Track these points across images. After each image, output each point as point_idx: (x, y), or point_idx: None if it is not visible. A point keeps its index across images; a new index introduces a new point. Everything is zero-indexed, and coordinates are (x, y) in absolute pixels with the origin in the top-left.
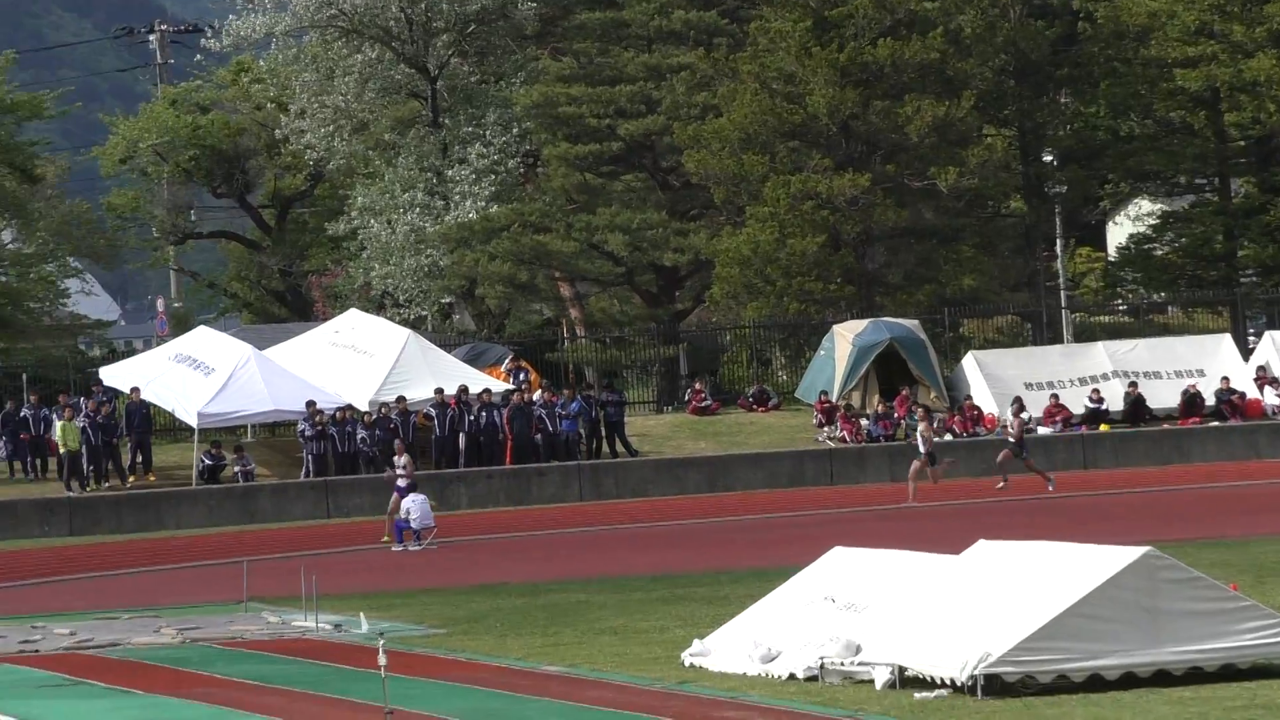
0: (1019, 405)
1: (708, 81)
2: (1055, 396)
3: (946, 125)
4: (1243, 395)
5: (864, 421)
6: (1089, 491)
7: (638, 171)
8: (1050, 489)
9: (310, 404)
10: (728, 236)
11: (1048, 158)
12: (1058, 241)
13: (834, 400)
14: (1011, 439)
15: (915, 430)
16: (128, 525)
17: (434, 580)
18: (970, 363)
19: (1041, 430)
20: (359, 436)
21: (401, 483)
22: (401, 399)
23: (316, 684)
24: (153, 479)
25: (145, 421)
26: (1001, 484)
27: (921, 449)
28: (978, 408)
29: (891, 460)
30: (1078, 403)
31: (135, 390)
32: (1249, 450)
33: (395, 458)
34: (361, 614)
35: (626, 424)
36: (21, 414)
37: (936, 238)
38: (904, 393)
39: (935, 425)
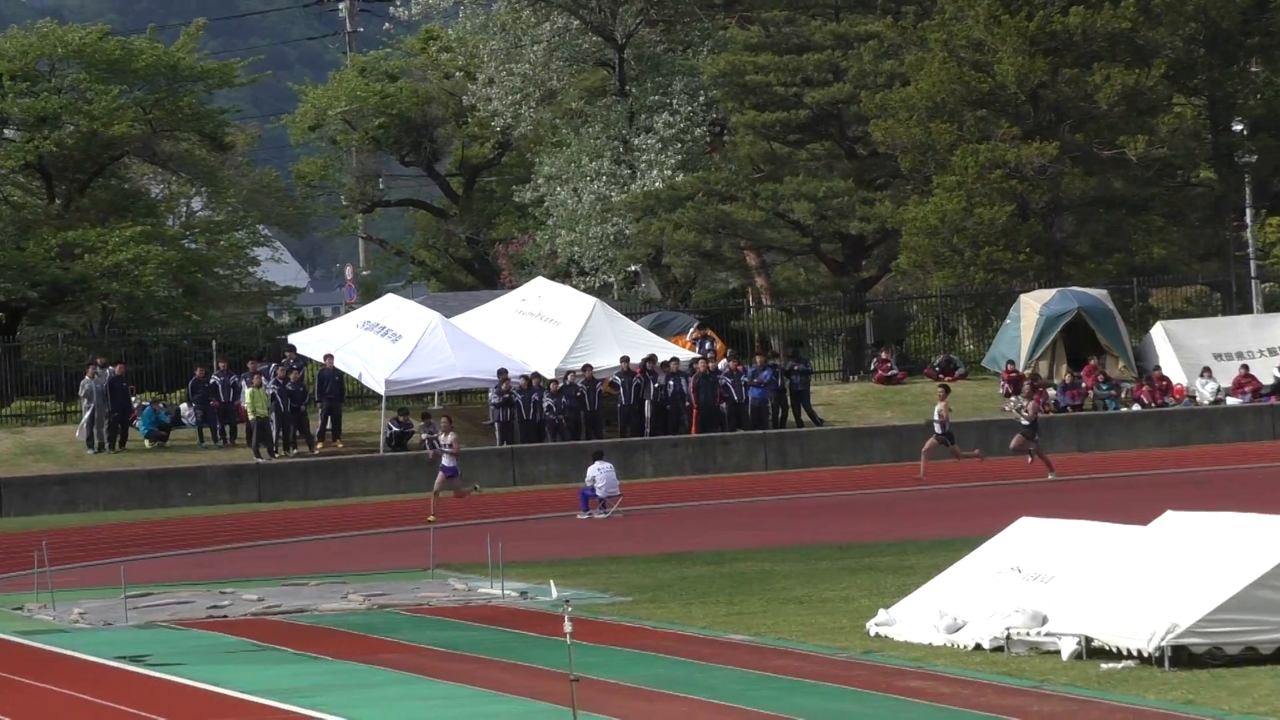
0: (1030, 388)
1: (895, 50)
2: (1245, 367)
3: (1136, 94)
4: None
5: (1051, 391)
6: (1277, 463)
7: (824, 140)
8: (1051, 479)
9: (501, 372)
10: (914, 205)
11: (1238, 127)
12: (1247, 211)
13: (1021, 370)
14: (1025, 421)
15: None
16: (315, 492)
17: (619, 548)
18: (1159, 333)
19: (1230, 401)
20: (545, 404)
21: (447, 461)
22: (588, 367)
23: (502, 651)
24: (341, 445)
25: (337, 388)
26: (1030, 460)
27: (937, 428)
28: (1166, 378)
29: (1079, 430)
30: (1266, 373)
31: (329, 357)
32: None
33: (441, 435)
34: (551, 581)
35: (812, 393)
36: (211, 381)
37: (1125, 207)
38: (1092, 363)
39: (950, 405)
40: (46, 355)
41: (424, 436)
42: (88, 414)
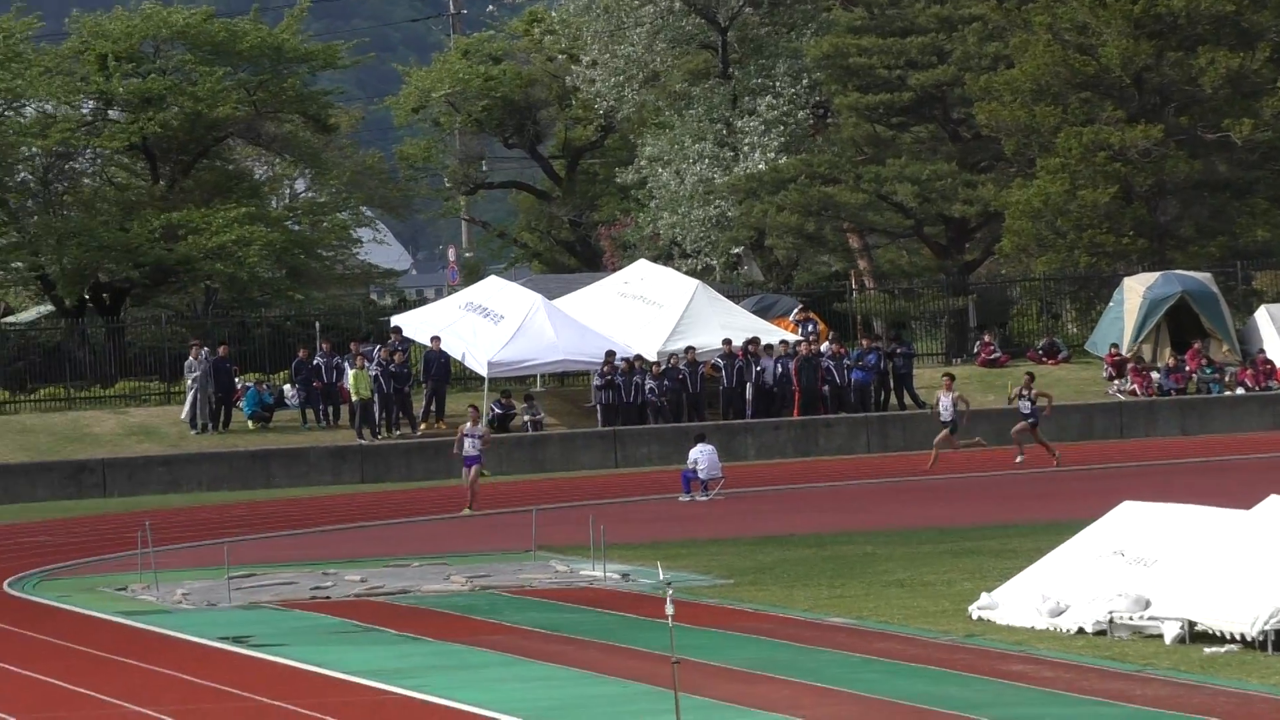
0: (1030, 376)
1: (999, 32)
2: None
3: (1240, 77)
4: None
5: (1154, 375)
6: None
7: (927, 123)
8: (1055, 465)
9: (609, 354)
10: (1018, 188)
11: None
12: None
13: (1124, 353)
14: (1026, 410)
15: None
16: (418, 473)
17: (721, 531)
18: (1263, 316)
19: None
20: (647, 387)
21: (472, 451)
22: (690, 349)
23: (604, 633)
24: (443, 427)
25: (443, 370)
26: (1020, 458)
27: (944, 417)
28: (1270, 361)
29: (1183, 414)
30: None
31: (436, 339)
32: None
33: (469, 425)
34: (659, 563)
35: (914, 376)
36: (314, 362)
37: (1230, 190)
38: (1195, 346)
39: (958, 393)
40: (150, 336)
41: (526, 418)
42: (191, 395)
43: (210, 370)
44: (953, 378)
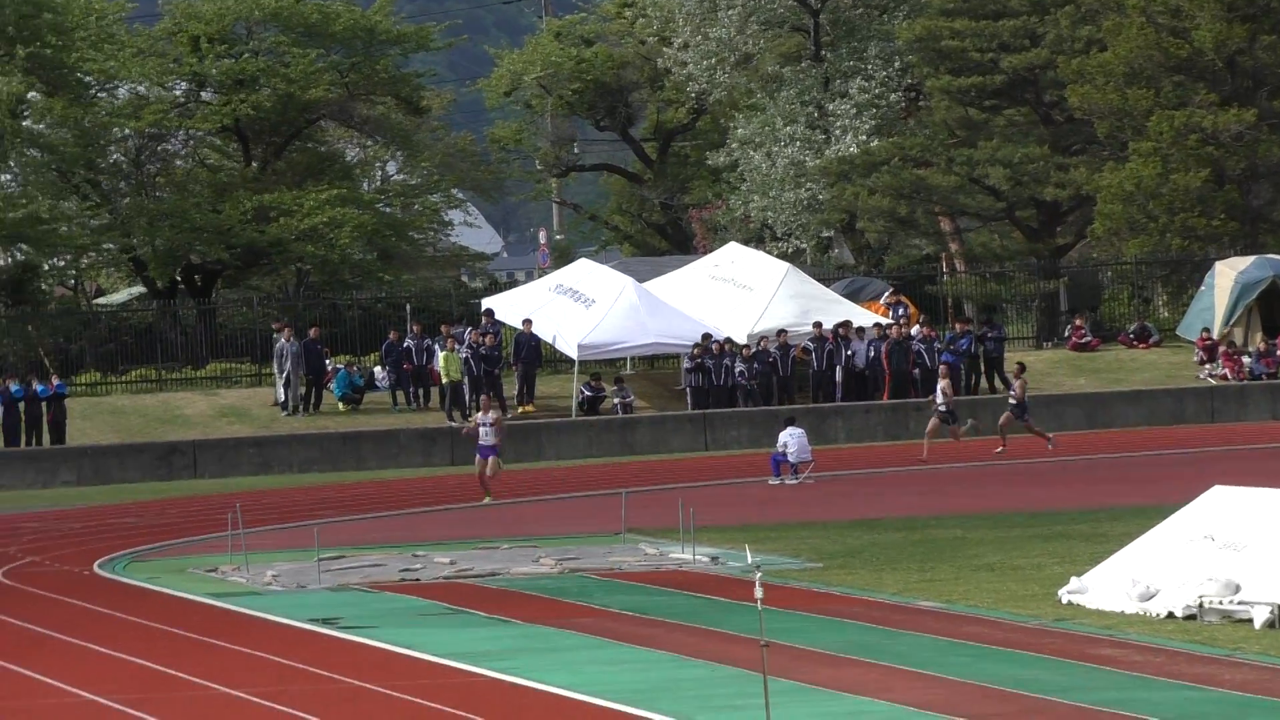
0: (1021, 367)
1: (1092, 15)
2: None
3: None
4: None
5: (1246, 359)
6: None
7: (1020, 106)
8: (1050, 448)
9: (706, 336)
10: (1110, 172)
11: None
12: None
13: (1215, 337)
14: (1013, 400)
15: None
16: (508, 455)
17: (811, 514)
18: None
19: None
20: (737, 370)
21: (486, 440)
22: (782, 333)
23: (693, 616)
24: (533, 410)
25: (534, 353)
26: (1000, 449)
27: (942, 406)
28: None
29: (1274, 398)
30: None
31: (527, 322)
32: None
33: (480, 414)
34: (746, 546)
35: (1005, 359)
36: (405, 344)
37: None
38: None
39: (952, 383)
40: (241, 318)
41: (616, 401)
42: (282, 377)
43: (301, 352)
44: (948, 366)
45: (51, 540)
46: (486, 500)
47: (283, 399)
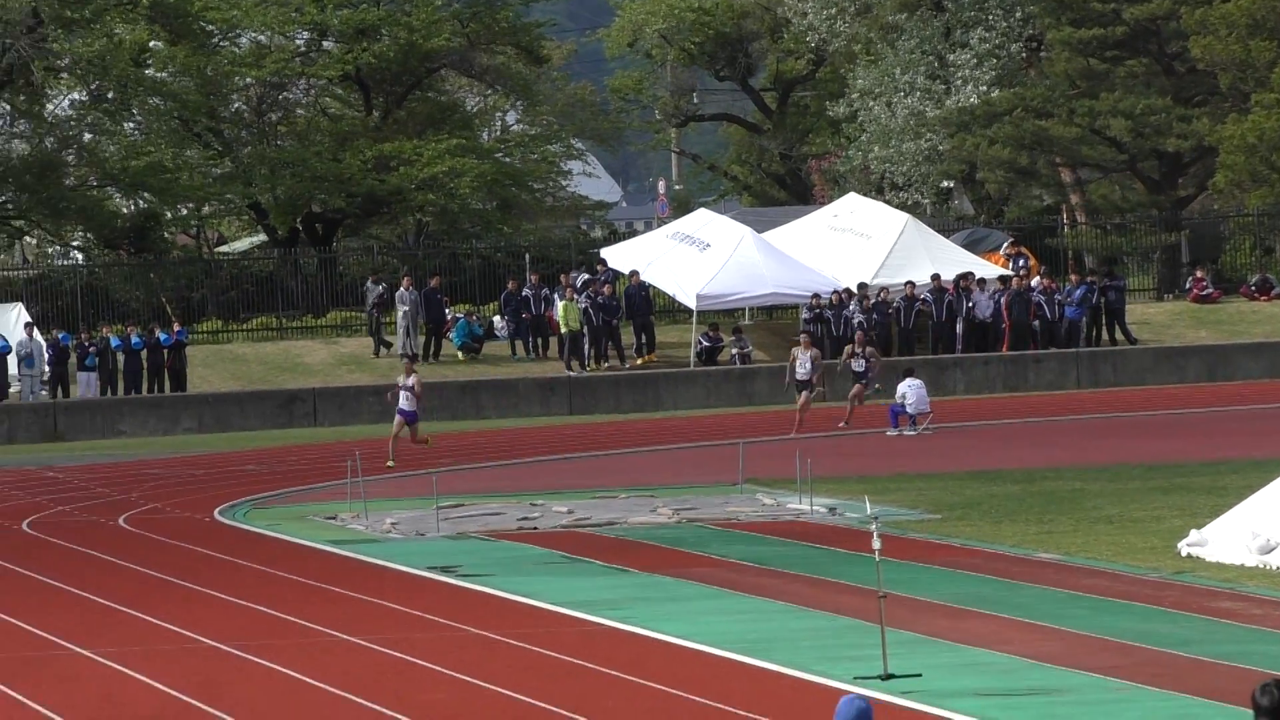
0: (862, 333)
1: None
2: None
3: None
4: None
5: None
6: None
7: (1141, 57)
8: (842, 425)
9: (815, 296)
10: (1233, 123)
11: None
12: None
13: None
14: (858, 370)
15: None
16: (626, 405)
17: (929, 465)
18: None
19: None
20: (856, 320)
21: (405, 405)
22: (909, 284)
23: (810, 566)
24: (655, 359)
25: (644, 304)
26: (844, 423)
27: (800, 375)
28: None
29: None
30: None
31: (634, 274)
32: None
33: (402, 378)
34: (866, 497)
35: (1126, 311)
36: (523, 293)
37: None
38: None
39: (815, 351)
40: (361, 267)
41: (734, 351)
42: (402, 326)
43: (420, 301)
44: (810, 335)
45: (173, 487)
46: (390, 463)
47: (402, 347)
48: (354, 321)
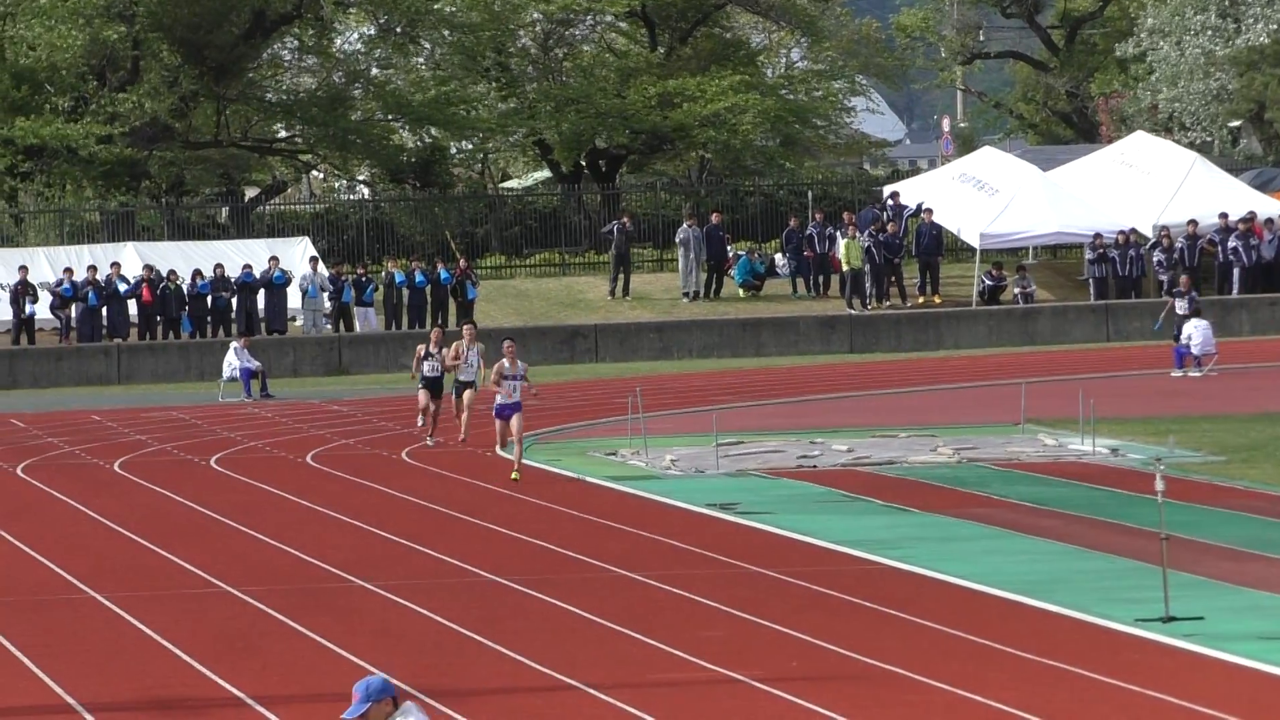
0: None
1: None
2: None
3: None
4: None
5: None
6: None
7: None
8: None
9: (1097, 236)
10: None
11: None
12: None
13: None
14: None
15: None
16: (907, 344)
17: (1213, 407)
18: None
19: None
20: (1155, 259)
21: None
22: (1193, 223)
23: (1092, 508)
24: (938, 300)
25: (934, 242)
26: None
27: (462, 376)
28: None
29: None
30: None
31: (928, 211)
32: None
33: (505, 362)
34: (1171, 436)
35: None
36: (806, 231)
37: None
38: None
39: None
40: (644, 203)
41: (1017, 291)
42: (683, 263)
43: (703, 238)
44: (474, 325)
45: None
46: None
47: (684, 284)
48: (636, 258)
